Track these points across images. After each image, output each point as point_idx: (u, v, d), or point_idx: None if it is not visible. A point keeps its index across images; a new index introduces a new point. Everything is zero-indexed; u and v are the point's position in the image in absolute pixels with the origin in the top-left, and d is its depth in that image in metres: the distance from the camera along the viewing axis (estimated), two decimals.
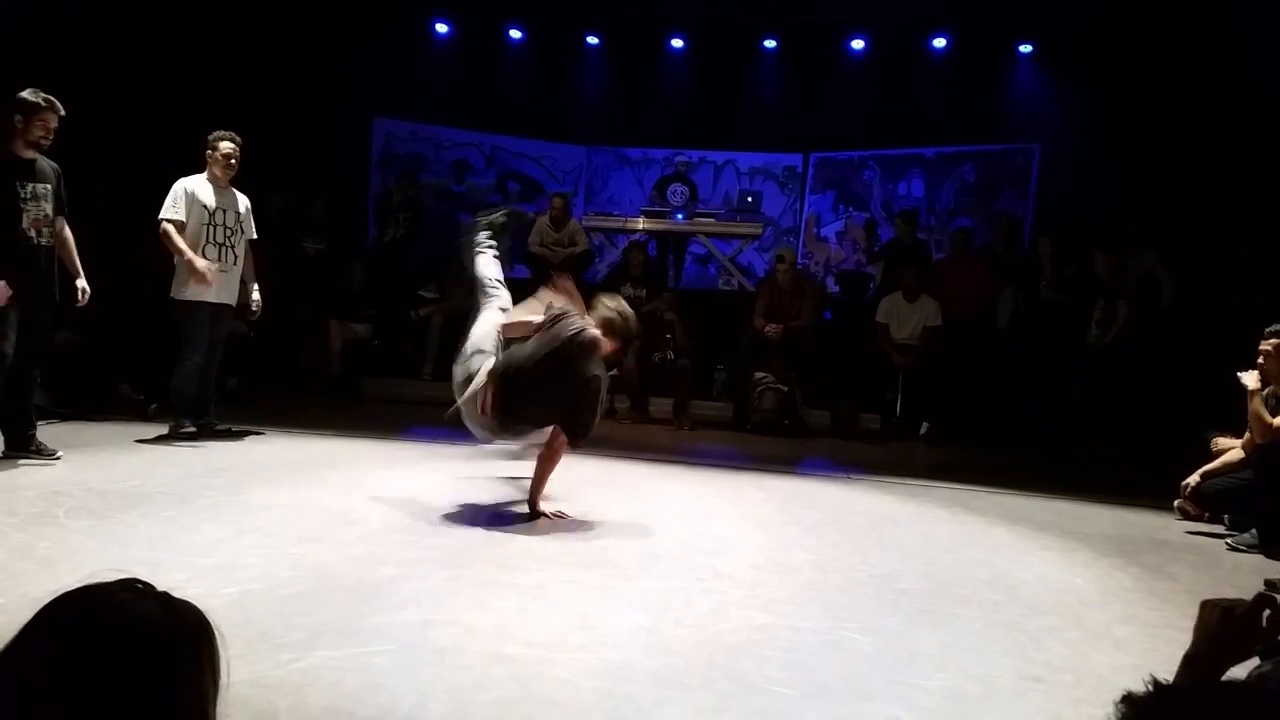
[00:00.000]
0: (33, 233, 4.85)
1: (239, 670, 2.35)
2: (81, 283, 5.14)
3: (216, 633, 1.11)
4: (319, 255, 9.06)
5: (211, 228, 5.77)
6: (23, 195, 4.81)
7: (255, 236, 6.06)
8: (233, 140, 5.81)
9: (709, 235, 10.19)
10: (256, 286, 6.09)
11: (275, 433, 6.13)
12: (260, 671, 2.35)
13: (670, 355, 8.10)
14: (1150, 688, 1.11)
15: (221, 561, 3.28)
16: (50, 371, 5.75)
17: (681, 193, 10.49)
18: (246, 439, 5.91)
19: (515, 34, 10.85)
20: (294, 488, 4.51)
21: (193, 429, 5.71)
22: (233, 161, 5.81)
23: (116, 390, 6.88)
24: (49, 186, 4.94)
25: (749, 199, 10.74)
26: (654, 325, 8.16)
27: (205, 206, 5.74)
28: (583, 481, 4.78)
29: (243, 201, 5.98)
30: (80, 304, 5.17)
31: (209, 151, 5.79)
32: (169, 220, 5.64)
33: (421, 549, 3.59)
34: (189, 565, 3.20)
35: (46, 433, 5.37)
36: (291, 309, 8.65)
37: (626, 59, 10.86)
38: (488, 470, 5.20)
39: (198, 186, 5.76)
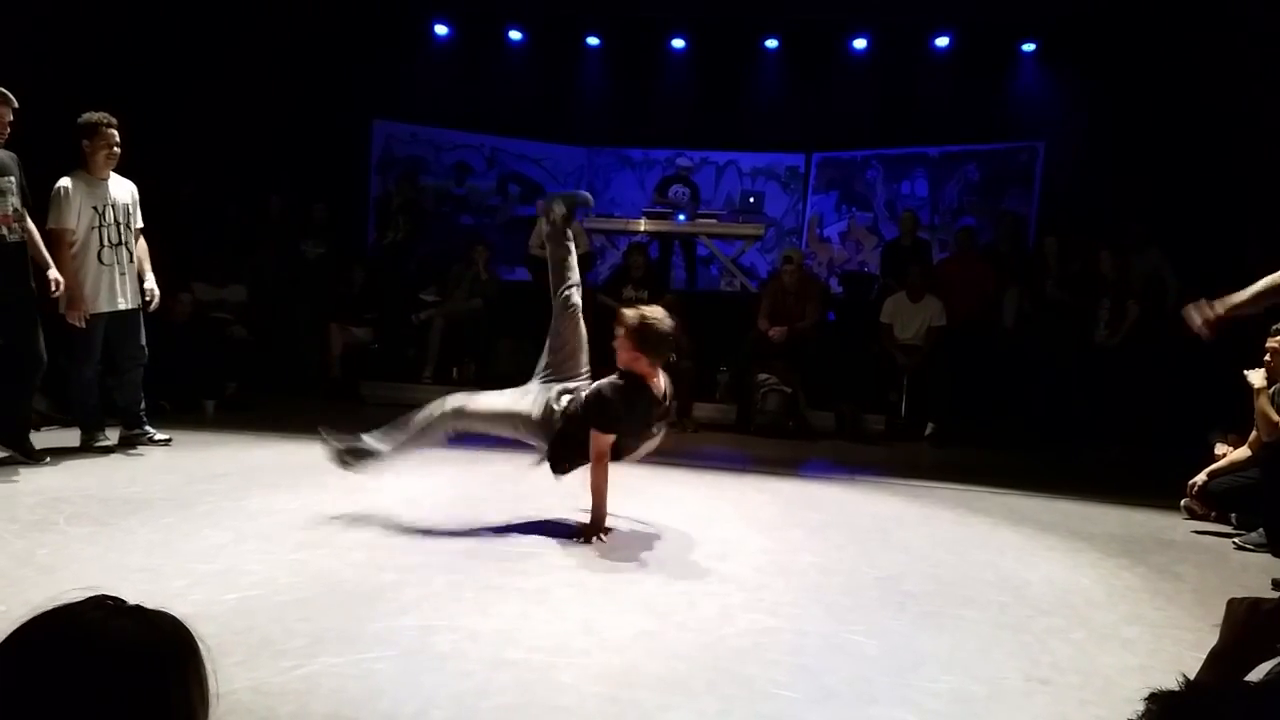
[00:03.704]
0: (3, 230, 4.78)
1: (240, 677, 2.35)
2: (53, 273, 4.97)
3: (200, 644, 1.05)
4: (319, 259, 9.03)
5: (103, 228, 5.21)
6: None
7: (141, 225, 5.47)
8: (114, 124, 5.19)
9: (711, 236, 10.15)
10: (152, 276, 5.45)
11: (275, 437, 6.10)
12: (261, 679, 2.34)
13: (672, 357, 8.04)
14: (1181, 687, 1.09)
15: (222, 568, 3.26)
16: (50, 378, 5.73)
17: (682, 193, 10.47)
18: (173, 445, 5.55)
19: (515, 35, 10.83)
20: (294, 493, 4.49)
21: (109, 441, 5.35)
22: (116, 148, 5.19)
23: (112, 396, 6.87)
24: (12, 179, 4.83)
25: (751, 200, 10.71)
26: None
27: (93, 206, 5.18)
28: (584, 485, 4.75)
29: (127, 190, 5.38)
30: (55, 294, 4.99)
31: (87, 140, 5.14)
32: (59, 229, 5.09)
33: (422, 554, 3.58)
34: (189, 572, 3.19)
35: (46, 438, 5.38)
36: (291, 312, 8.65)
37: (627, 60, 10.85)
38: (488, 475, 5.18)
39: (76, 184, 5.15)
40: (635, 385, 3.93)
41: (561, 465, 4.04)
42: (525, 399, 4.08)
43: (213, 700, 1.06)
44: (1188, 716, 1.06)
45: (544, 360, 4.24)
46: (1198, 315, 3.66)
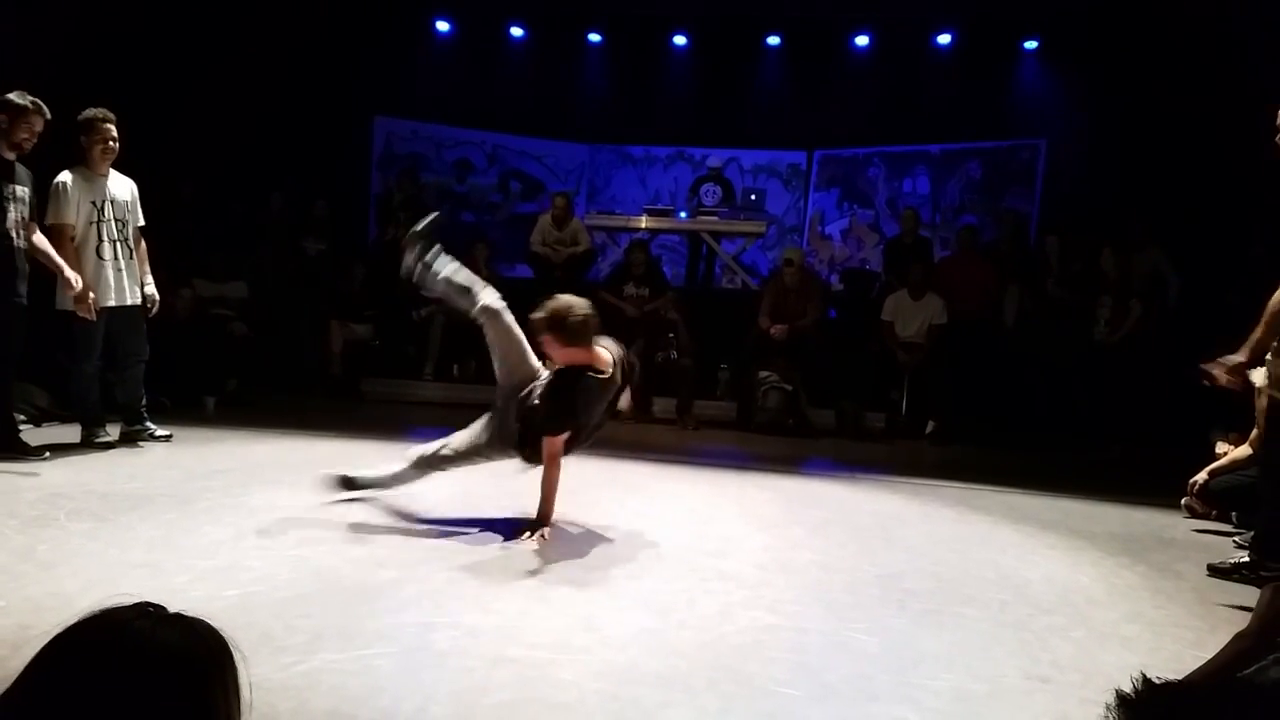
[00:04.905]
0: (13, 233, 4.86)
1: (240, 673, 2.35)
2: (70, 273, 5.00)
3: (236, 652, 1.07)
4: (320, 255, 9.04)
5: (102, 224, 5.22)
6: (4, 195, 4.82)
7: (143, 223, 5.50)
8: (111, 119, 5.21)
9: (712, 233, 10.15)
10: (152, 281, 5.52)
11: (276, 434, 6.09)
12: (261, 675, 2.33)
13: (673, 355, 8.06)
14: (1139, 686, 1.10)
15: (222, 564, 3.26)
16: (51, 374, 5.73)
17: (715, 193, 10.47)
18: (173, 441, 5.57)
19: (517, 32, 10.83)
20: (294, 489, 4.48)
21: (110, 437, 5.36)
22: (112, 143, 5.21)
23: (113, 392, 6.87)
24: (27, 190, 4.96)
25: (753, 196, 10.71)
26: (657, 324, 8.14)
27: (92, 202, 5.19)
28: (586, 482, 4.74)
29: (127, 186, 5.41)
30: (71, 293, 5.01)
31: (84, 136, 5.15)
32: (60, 224, 5.08)
33: (423, 551, 3.58)
34: (190, 568, 3.19)
35: (47, 434, 5.38)
36: (292, 309, 8.64)
37: (629, 56, 10.85)
38: (488, 472, 5.17)
39: (75, 179, 5.16)
40: (575, 379, 3.79)
41: (531, 456, 3.97)
42: (479, 428, 4.07)
43: (245, 703, 1.07)
44: (1150, 714, 1.08)
45: (499, 382, 4.11)
46: (1219, 371, 3.61)
